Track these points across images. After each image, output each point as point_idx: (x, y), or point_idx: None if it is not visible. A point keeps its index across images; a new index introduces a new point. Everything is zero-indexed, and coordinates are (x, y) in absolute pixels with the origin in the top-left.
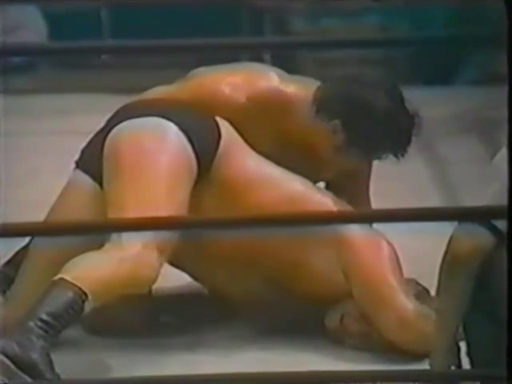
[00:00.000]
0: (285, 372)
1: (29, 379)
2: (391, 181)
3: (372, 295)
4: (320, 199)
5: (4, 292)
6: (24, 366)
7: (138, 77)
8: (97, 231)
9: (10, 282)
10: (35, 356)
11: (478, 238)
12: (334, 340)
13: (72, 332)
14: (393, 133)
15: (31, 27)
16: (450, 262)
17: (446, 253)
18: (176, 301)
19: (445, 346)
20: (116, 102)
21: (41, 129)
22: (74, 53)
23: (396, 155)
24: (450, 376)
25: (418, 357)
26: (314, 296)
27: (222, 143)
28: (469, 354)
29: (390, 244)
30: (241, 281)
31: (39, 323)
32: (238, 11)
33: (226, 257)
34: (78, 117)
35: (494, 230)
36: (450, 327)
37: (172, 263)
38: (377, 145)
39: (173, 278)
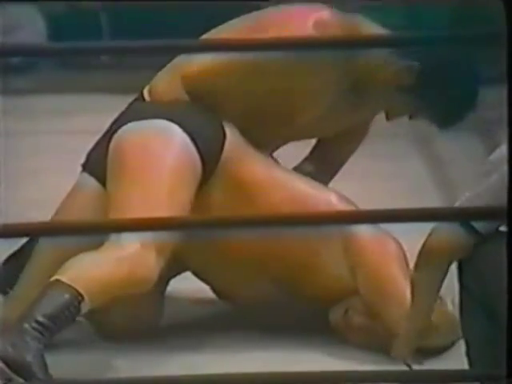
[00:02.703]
0: (288, 372)
1: (22, 381)
2: (391, 180)
3: (379, 291)
4: (326, 199)
5: (4, 292)
6: (18, 367)
7: (138, 77)
8: (97, 232)
9: (9, 281)
10: (29, 358)
11: (451, 235)
12: (338, 335)
13: (72, 332)
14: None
15: (30, 27)
16: (424, 254)
17: (423, 245)
18: (177, 302)
19: (412, 331)
20: (115, 103)
21: (41, 129)
22: (73, 53)
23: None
24: (449, 376)
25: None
26: (323, 297)
27: (226, 145)
28: (467, 353)
29: (396, 240)
30: (249, 282)
31: (35, 325)
32: (238, 11)
33: (234, 258)
34: (77, 117)
35: (470, 229)
36: (419, 314)
37: (179, 264)
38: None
39: (174, 279)
